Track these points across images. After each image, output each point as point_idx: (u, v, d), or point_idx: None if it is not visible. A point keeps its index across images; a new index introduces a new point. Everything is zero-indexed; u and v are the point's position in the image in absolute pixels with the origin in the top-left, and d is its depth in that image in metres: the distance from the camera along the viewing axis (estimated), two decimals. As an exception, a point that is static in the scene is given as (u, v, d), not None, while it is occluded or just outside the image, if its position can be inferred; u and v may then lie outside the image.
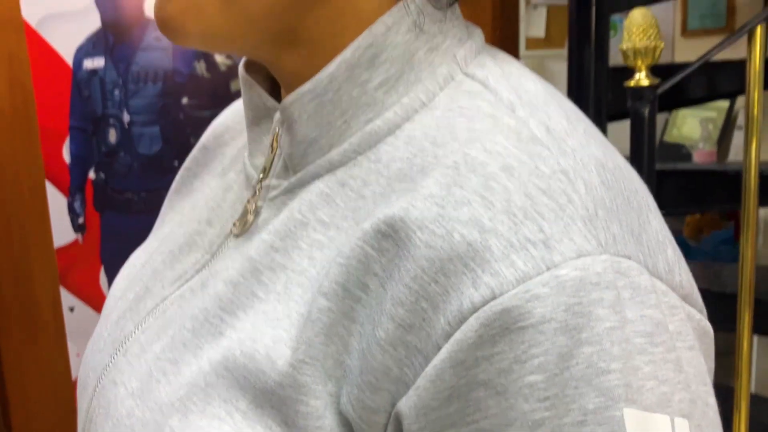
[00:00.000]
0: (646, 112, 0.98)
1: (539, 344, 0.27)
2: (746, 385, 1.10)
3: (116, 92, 1.47)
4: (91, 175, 1.48)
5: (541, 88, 0.35)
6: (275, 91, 0.40)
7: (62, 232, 1.45)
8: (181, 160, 0.51)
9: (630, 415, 0.27)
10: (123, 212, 1.54)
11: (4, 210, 1.34)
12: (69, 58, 1.42)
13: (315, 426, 0.30)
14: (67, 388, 1.40)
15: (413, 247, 0.29)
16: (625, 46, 1.02)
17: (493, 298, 0.27)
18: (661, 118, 2.41)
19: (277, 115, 0.37)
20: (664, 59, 1.83)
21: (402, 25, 0.34)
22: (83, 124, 1.46)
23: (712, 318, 0.34)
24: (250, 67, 0.40)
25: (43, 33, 1.38)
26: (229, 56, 1.57)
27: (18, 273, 1.36)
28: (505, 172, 0.29)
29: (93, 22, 1.43)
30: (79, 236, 1.48)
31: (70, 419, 1.38)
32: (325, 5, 0.34)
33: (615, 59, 1.65)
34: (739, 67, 1.01)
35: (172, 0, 0.34)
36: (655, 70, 1.09)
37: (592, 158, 0.31)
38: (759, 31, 0.92)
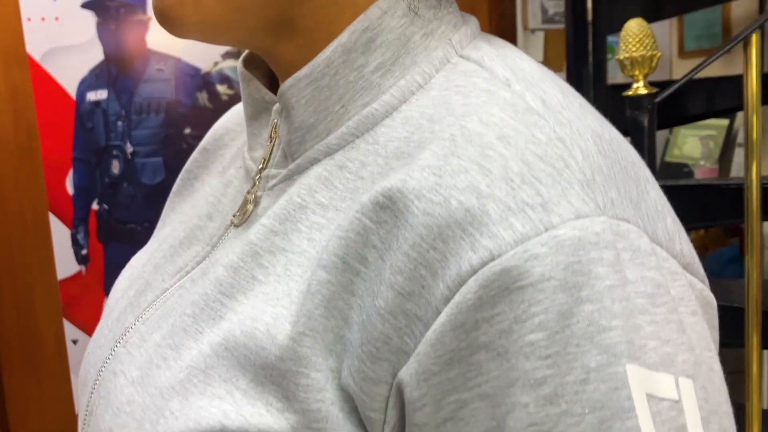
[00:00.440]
0: (645, 121, 0.99)
1: (539, 303, 0.27)
2: (758, 404, 1.09)
3: (119, 123, 1.49)
4: (95, 206, 1.49)
5: (536, 67, 0.35)
6: (274, 88, 0.40)
7: (66, 263, 1.45)
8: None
9: (633, 372, 0.27)
10: (127, 243, 1.54)
11: (7, 242, 1.34)
12: (72, 91, 1.44)
13: (316, 399, 0.30)
14: (71, 422, 1.38)
15: (411, 216, 0.29)
16: (622, 56, 1.03)
17: (492, 259, 0.27)
18: (661, 138, 2.42)
19: (276, 107, 0.37)
20: (662, 80, 1.84)
21: (397, 10, 0.35)
22: (86, 156, 1.47)
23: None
24: (248, 64, 0.40)
25: (47, 66, 1.40)
26: (230, 86, 1.59)
27: (21, 305, 1.36)
28: (501, 140, 0.30)
29: (96, 55, 1.45)
30: (83, 268, 1.48)
31: (74, 453, 1.36)
32: None
33: (613, 81, 1.66)
34: (738, 81, 1.02)
35: None
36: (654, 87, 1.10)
37: (588, 129, 0.31)
38: (755, 39, 0.93)
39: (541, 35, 2.58)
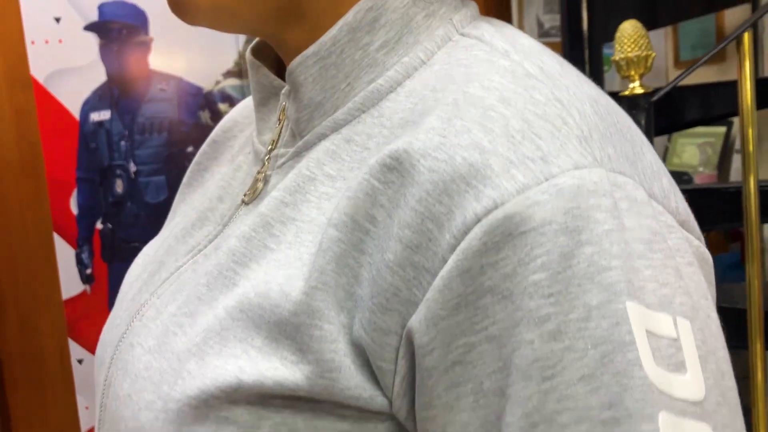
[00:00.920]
0: (643, 120, 1.00)
1: (541, 245, 0.28)
2: (763, 410, 1.08)
3: (122, 143, 1.50)
4: (99, 225, 1.50)
5: (534, 42, 0.37)
6: (281, 77, 0.42)
7: (70, 283, 1.45)
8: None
9: (633, 309, 0.28)
10: (131, 262, 1.54)
11: (12, 262, 1.35)
12: (76, 112, 1.45)
13: (329, 349, 0.31)
14: (78, 441, 1.38)
15: (417, 174, 0.30)
16: (617, 57, 1.05)
17: (495, 207, 0.28)
18: (660, 147, 2.44)
19: (285, 90, 0.39)
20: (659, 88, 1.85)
21: None
22: (90, 175, 1.48)
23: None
24: (257, 54, 0.42)
25: (51, 88, 1.42)
26: (232, 104, 1.60)
27: (26, 325, 1.36)
28: (502, 102, 0.31)
29: (98, 77, 1.46)
30: (88, 287, 1.48)
31: (81, 472, 1.36)
32: None
33: (610, 91, 1.68)
34: (733, 87, 1.03)
35: None
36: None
37: (585, 94, 0.33)
38: (747, 37, 0.94)
39: (537, 49, 2.59)
